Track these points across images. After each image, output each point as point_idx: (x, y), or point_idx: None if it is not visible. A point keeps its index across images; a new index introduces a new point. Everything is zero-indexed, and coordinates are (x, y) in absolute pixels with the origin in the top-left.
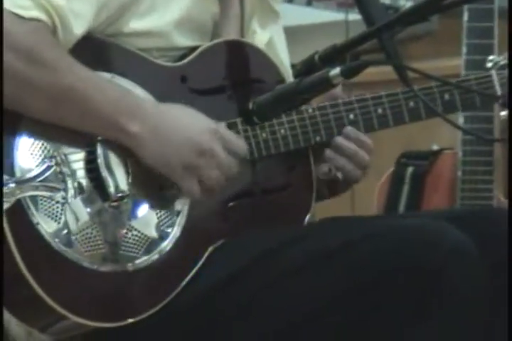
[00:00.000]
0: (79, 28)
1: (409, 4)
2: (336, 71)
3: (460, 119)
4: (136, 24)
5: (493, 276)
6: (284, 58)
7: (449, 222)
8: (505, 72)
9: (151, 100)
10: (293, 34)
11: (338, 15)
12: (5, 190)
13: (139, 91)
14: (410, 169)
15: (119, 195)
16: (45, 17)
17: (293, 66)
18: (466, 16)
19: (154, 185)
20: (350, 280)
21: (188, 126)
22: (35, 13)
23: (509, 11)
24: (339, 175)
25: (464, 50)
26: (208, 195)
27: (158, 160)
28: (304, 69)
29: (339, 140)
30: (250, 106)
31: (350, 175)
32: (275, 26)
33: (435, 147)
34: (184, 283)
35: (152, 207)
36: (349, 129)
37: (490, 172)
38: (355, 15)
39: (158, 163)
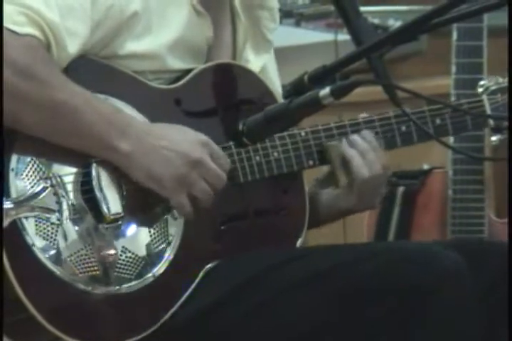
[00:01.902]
0: (73, 46)
1: (398, 24)
2: (325, 91)
3: (450, 138)
4: (130, 46)
5: (483, 301)
6: (277, 87)
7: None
8: (497, 96)
9: (142, 119)
10: (282, 55)
11: (327, 36)
12: None
13: (132, 113)
14: (401, 188)
15: (113, 216)
16: (39, 33)
17: (282, 87)
18: (455, 35)
19: (149, 205)
20: (344, 300)
21: (178, 141)
22: (29, 29)
23: (509, 26)
24: (342, 183)
25: (453, 69)
26: (198, 209)
27: (148, 176)
28: (294, 89)
29: (354, 136)
30: (240, 127)
31: (357, 170)
32: (268, 55)
33: (426, 166)
34: (178, 305)
35: (147, 227)
36: (366, 133)
37: (481, 191)
38: (344, 36)
39: (148, 179)
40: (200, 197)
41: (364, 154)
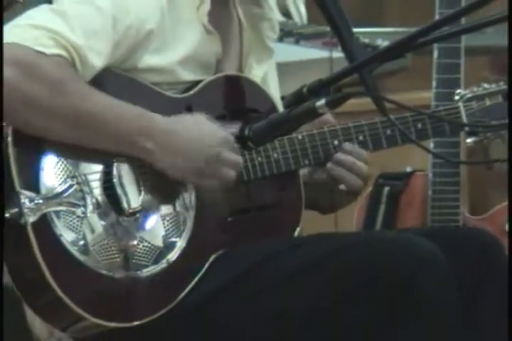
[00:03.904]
0: (96, 63)
1: (385, 43)
2: (321, 102)
3: (430, 144)
4: (147, 60)
5: (460, 287)
6: (274, 92)
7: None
8: (471, 104)
9: (162, 118)
10: (283, 69)
11: (323, 53)
12: (32, 205)
13: None
14: (386, 188)
15: (132, 210)
16: (65, 53)
17: (284, 98)
18: (435, 54)
19: (163, 200)
20: (333, 286)
21: (198, 137)
22: (56, 50)
23: (509, 33)
24: (342, 186)
25: (434, 83)
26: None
27: (172, 169)
28: (294, 100)
29: (338, 155)
30: (246, 132)
31: (351, 183)
32: (270, 61)
33: (409, 169)
34: (189, 288)
35: (162, 219)
36: (346, 144)
37: (457, 192)
38: (338, 53)
39: (172, 172)
40: (225, 181)
41: (351, 168)
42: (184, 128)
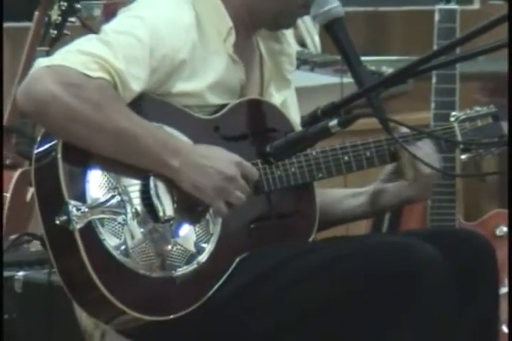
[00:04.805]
0: (135, 87)
1: (390, 70)
2: (334, 122)
3: None
4: (180, 86)
5: (457, 284)
6: (294, 117)
7: (421, 239)
8: (465, 124)
9: (189, 142)
10: (300, 94)
11: (334, 79)
12: (79, 213)
13: (181, 137)
14: None
15: (167, 218)
16: (108, 77)
17: (301, 118)
18: (434, 79)
19: (194, 209)
20: (343, 285)
21: (217, 159)
22: (100, 73)
23: (509, 60)
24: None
25: (433, 105)
26: (232, 210)
27: (194, 187)
28: (309, 120)
29: (419, 142)
30: (267, 149)
31: (422, 167)
32: (288, 91)
33: None
34: (217, 286)
35: (192, 226)
36: (428, 140)
37: (453, 201)
38: (348, 79)
39: (193, 189)
40: (236, 203)
41: (428, 156)
42: (206, 152)
